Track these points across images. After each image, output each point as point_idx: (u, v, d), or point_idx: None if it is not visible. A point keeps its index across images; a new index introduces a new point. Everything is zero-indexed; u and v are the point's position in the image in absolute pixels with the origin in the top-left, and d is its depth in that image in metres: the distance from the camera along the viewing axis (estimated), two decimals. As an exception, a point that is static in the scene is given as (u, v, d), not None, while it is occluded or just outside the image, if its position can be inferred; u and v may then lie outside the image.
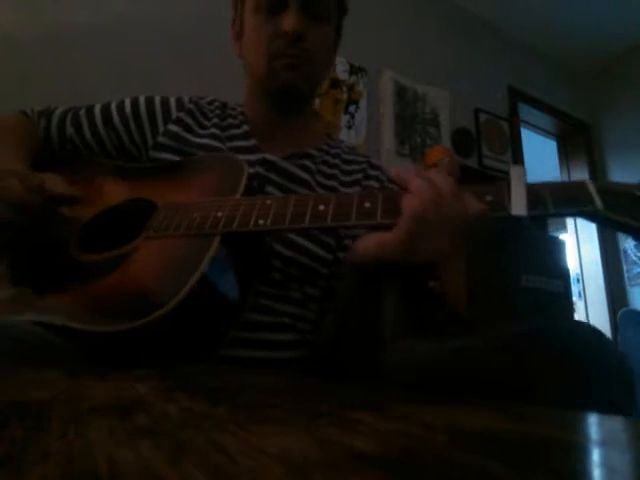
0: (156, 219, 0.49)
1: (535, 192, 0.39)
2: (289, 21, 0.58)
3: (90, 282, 0.46)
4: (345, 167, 0.69)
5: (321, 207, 0.43)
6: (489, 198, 0.40)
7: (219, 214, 0.46)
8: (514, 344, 0.43)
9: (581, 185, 0.39)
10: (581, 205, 0.38)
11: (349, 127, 1.94)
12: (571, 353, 0.38)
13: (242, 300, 0.48)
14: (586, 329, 0.41)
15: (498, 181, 0.42)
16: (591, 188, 0.38)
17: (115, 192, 0.60)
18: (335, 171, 0.67)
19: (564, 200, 0.38)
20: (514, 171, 0.42)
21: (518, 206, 0.38)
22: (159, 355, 0.39)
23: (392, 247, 0.40)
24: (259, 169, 0.61)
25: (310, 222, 0.42)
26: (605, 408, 0.37)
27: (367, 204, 0.42)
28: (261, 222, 0.44)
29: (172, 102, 0.68)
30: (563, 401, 0.37)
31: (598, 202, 0.37)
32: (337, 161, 0.69)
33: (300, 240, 0.58)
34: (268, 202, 0.45)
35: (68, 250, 0.52)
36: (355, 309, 0.52)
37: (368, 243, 0.42)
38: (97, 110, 0.68)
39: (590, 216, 0.38)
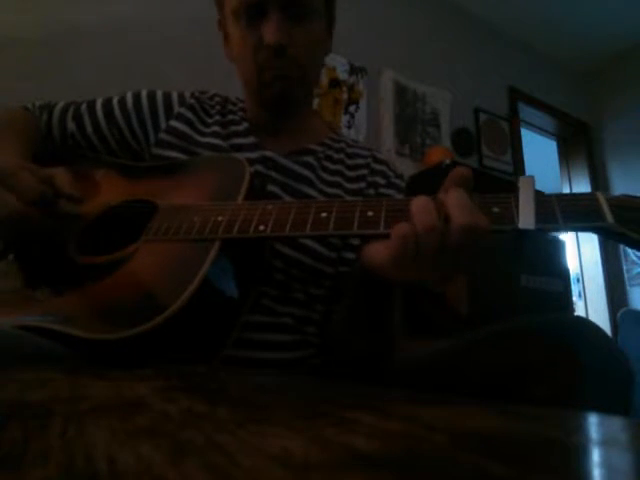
0: (156, 222, 0.49)
1: (544, 204, 0.37)
2: (269, 33, 0.56)
3: (88, 285, 0.45)
4: (349, 162, 0.67)
5: (323, 214, 0.42)
6: (496, 210, 0.38)
7: (219, 218, 0.45)
8: (512, 339, 0.43)
9: (592, 198, 0.37)
10: (592, 220, 0.36)
11: (349, 127, 1.94)
12: (568, 345, 0.38)
13: (243, 304, 0.48)
14: (583, 323, 0.41)
15: (505, 193, 0.39)
16: (602, 201, 0.36)
17: (116, 191, 0.59)
18: (339, 166, 0.66)
19: (574, 214, 0.36)
20: (523, 181, 0.39)
21: (526, 219, 0.36)
22: (156, 360, 0.38)
23: (386, 262, 0.38)
24: (259, 167, 0.60)
25: (311, 229, 0.42)
26: (603, 401, 0.37)
27: (370, 213, 0.41)
28: (261, 228, 0.43)
29: (174, 97, 0.68)
30: (562, 393, 0.37)
31: (609, 217, 0.35)
32: (341, 156, 0.68)
33: (303, 239, 0.57)
34: (269, 207, 0.45)
35: (67, 251, 0.51)
36: (363, 311, 0.51)
37: (372, 252, 0.40)
38: (99, 105, 0.67)
39: (601, 231, 0.36)
